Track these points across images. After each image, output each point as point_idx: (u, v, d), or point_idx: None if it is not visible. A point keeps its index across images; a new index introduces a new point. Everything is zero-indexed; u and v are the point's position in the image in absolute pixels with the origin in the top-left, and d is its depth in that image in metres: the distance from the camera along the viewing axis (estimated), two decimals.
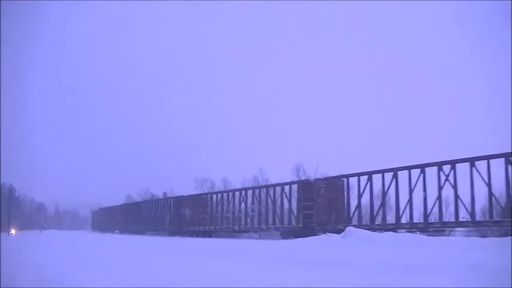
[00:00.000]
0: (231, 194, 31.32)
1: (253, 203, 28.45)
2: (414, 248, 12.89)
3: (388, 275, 7.19)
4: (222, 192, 33.80)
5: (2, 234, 35.99)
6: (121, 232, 46.81)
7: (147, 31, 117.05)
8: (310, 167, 39.99)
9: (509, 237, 14.01)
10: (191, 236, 32.07)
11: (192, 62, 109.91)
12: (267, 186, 28.89)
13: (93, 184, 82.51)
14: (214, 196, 33.83)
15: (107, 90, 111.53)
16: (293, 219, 24.92)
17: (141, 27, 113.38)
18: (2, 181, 56.35)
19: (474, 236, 20.37)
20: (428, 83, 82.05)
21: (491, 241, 14.48)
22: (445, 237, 18.46)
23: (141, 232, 41.93)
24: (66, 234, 43.96)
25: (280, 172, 54.73)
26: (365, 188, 21.66)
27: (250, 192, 29.55)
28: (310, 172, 38.60)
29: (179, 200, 36.59)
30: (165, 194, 51.36)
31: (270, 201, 27.20)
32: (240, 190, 31.34)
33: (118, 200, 61.46)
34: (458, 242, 14.19)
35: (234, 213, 29.97)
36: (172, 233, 35.61)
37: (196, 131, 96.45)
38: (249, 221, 28.58)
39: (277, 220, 26.22)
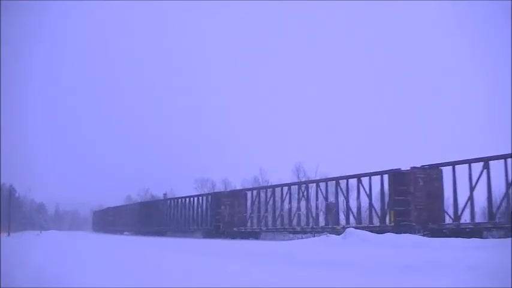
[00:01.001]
0: (285, 188, 27.02)
1: (317, 199, 24.42)
2: (414, 249, 12.90)
3: (388, 275, 7.20)
4: (273, 187, 28.99)
5: (2, 234, 36.01)
6: (135, 233, 43.10)
7: (147, 31, 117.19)
8: (310, 167, 40.03)
9: (509, 238, 14.03)
10: (234, 238, 28.34)
11: (192, 62, 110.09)
12: (337, 179, 23.70)
13: (93, 184, 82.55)
14: (263, 192, 29.16)
15: (107, 90, 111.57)
16: (374, 217, 21.21)
17: (141, 27, 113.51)
18: (2, 181, 56.35)
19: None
20: (428, 83, 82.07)
21: (491, 242, 14.48)
22: (444, 237, 18.47)
23: (161, 233, 38.30)
24: (67, 234, 43.86)
25: (280, 172, 54.80)
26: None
27: (313, 186, 25.42)
28: (310, 172, 38.64)
29: (218, 197, 31.94)
30: (165, 194, 51.37)
31: (342, 196, 23.09)
32: (299, 184, 26.88)
33: (118, 200, 61.58)
34: (457, 243, 14.19)
35: (290, 210, 25.95)
36: (209, 235, 31.19)
37: (196, 131, 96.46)
38: (311, 220, 24.53)
39: (351, 218, 22.46)
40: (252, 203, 29.58)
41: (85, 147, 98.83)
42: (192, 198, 35.76)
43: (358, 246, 14.57)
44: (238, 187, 41.02)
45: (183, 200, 37.20)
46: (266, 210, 27.90)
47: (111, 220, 54.31)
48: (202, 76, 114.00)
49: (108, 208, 59.21)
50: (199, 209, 33.87)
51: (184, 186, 52.56)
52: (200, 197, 34.90)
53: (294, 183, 27.97)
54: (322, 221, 24.04)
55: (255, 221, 29.09)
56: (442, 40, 78.73)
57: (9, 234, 39.86)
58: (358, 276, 7.22)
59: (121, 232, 48.02)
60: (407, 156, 33.00)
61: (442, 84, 77.44)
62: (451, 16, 53.58)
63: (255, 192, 30.06)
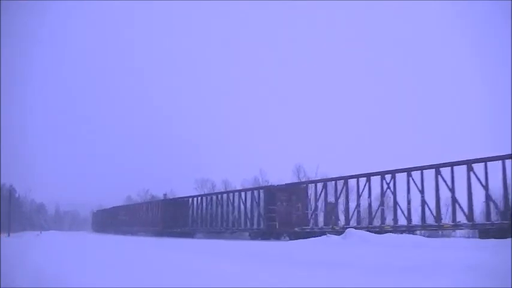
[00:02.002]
0: (362, 180, 22.11)
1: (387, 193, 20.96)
2: (414, 249, 12.91)
3: (388, 275, 7.20)
4: (345, 178, 23.38)
5: (2, 235, 36.01)
6: (156, 234, 37.94)
7: (147, 31, 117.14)
8: (310, 167, 40.01)
9: (509, 238, 14.04)
10: (294, 238, 23.70)
11: (193, 62, 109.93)
12: (438, 166, 19.08)
13: (93, 185, 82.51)
14: (331, 185, 24.29)
15: (107, 90, 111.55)
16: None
17: (141, 27, 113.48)
18: (2, 182, 56.37)
19: (473, 237, 20.42)
20: (428, 83, 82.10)
21: (491, 242, 14.49)
22: (444, 238, 18.49)
23: (188, 235, 34.45)
24: (67, 235, 43.87)
25: (280, 173, 54.85)
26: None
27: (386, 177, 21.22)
28: (311, 173, 38.61)
29: (273, 191, 27.21)
30: (165, 195, 51.35)
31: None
32: (381, 173, 21.44)
33: (118, 200, 61.53)
34: (457, 243, 14.20)
35: (370, 206, 21.87)
36: (259, 236, 26.94)
37: (196, 131, 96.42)
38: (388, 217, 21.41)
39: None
40: (317, 199, 24.80)
41: (85, 147, 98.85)
42: (232, 194, 31.27)
43: (358, 246, 14.58)
44: (239, 187, 40.95)
45: (220, 196, 32.59)
46: (335, 207, 23.66)
47: (122, 220, 49.22)
48: (202, 76, 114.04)
49: (117, 207, 55.26)
50: (243, 207, 29.09)
51: (184, 187, 52.57)
52: (244, 193, 29.97)
53: (375, 173, 21.72)
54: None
55: (320, 219, 24.76)
56: (442, 40, 78.80)
57: (9, 235, 39.86)
58: (358, 276, 7.22)
59: (135, 233, 43.13)
60: (408, 156, 33.03)
61: (442, 84, 77.50)
62: (451, 16, 53.58)
63: (319, 185, 25.02)
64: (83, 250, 17.04)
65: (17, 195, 66.20)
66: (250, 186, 38.84)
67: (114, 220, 51.83)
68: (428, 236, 19.69)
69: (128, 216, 47.97)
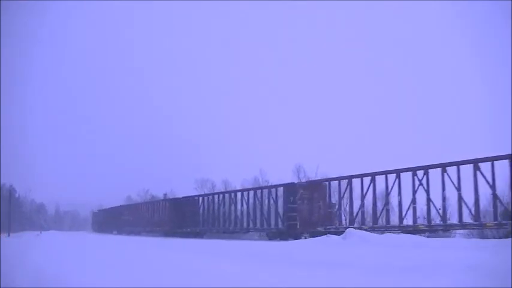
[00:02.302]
0: (392, 176, 20.69)
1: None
2: (414, 249, 12.91)
3: (388, 275, 7.20)
4: (372, 175, 21.46)
5: (2, 235, 36.03)
6: (163, 235, 36.80)
7: (147, 31, 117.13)
8: (310, 167, 39.97)
9: (509, 238, 14.04)
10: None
11: (193, 62, 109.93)
12: (476, 161, 17.87)
13: (93, 185, 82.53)
14: (357, 181, 22.28)
15: (107, 90, 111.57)
16: None
17: (141, 27, 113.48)
18: (2, 182, 56.38)
19: (474, 237, 20.41)
20: (428, 83, 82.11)
21: (491, 242, 14.49)
22: (444, 238, 18.49)
23: (198, 235, 33.04)
24: (67, 235, 43.86)
25: (281, 173, 54.81)
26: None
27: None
28: (311, 173, 38.59)
29: (294, 189, 25.41)
30: (165, 195, 51.35)
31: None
32: (412, 169, 19.99)
33: (118, 200, 61.49)
34: (458, 243, 14.20)
35: (400, 204, 20.25)
36: (277, 236, 25.39)
37: (196, 131, 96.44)
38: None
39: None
40: (341, 196, 23.46)
41: (85, 147, 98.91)
42: (247, 193, 29.65)
43: (358, 246, 14.58)
44: (239, 187, 40.93)
45: (233, 195, 31.13)
46: (362, 205, 22.22)
47: (126, 220, 47.48)
48: (202, 76, 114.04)
49: (121, 206, 53.72)
50: (260, 205, 27.74)
51: (184, 187, 52.51)
52: (260, 190, 28.57)
53: (405, 170, 20.30)
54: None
55: (345, 218, 23.70)
56: (442, 40, 78.80)
57: (9, 235, 39.88)
58: (358, 276, 7.23)
59: (140, 233, 42.07)
60: (408, 156, 33.05)
61: (442, 84, 77.52)
62: (451, 16, 53.59)
63: (343, 182, 23.41)
64: (83, 250, 17.04)
65: (17, 195, 66.24)
66: (250, 186, 38.80)
67: (117, 220, 50.61)
68: (428, 236, 19.67)
69: (132, 216, 46.67)
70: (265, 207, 27.55)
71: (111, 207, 56.76)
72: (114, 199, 60.85)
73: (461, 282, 6.07)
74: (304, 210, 24.39)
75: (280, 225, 25.86)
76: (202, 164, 67.11)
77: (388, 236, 17.89)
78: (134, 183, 73.39)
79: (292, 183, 26.53)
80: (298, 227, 24.08)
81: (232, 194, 31.32)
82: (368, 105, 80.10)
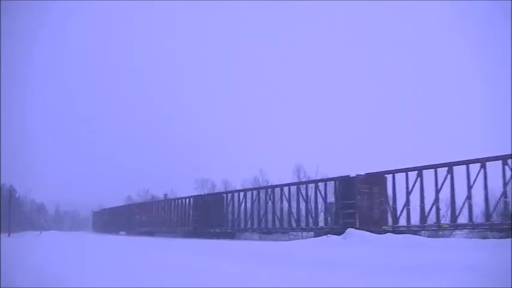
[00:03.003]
0: (462, 167, 18.41)
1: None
2: (414, 249, 12.91)
3: (388, 275, 7.20)
4: (450, 165, 18.90)
5: (2, 235, 36.04)
6: (184, 235, 33.59)
7: (147, 31, 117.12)
8: (310, 167, 39.95)
9: (509, 238, 14.05)
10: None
11: (193, 62, 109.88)
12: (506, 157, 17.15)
13: (93, 185, 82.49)
14: (415, 175, 20.04)
15: (107, 90, 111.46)
16: None
17: (141, 27, 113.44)
18: (2, 182, 56.35)
19: (474, 237, 20.39)
20: (428, 83, 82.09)
21: (491, 242, 14.50)
22: (444, 238, 18.48)
23: (226, 236, 29.80)
24: (67, 235, 43.84)
25: (281, 173, 54.81)
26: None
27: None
28: (311, 173, 38.57)
29: (352, 183, 22.19)
30: (165, 195, 51.34)
31: None
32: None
33: (118, 200, 61.47)
34: (457, 243, 14.20)
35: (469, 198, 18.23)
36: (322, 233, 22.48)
37: (196, 131, 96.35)
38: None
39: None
40: (409, 191, 20.58)
41: (85, 147, 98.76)
42: (287, 188, 26.71)
43: (358, 246, 14.58)
44: (239, 187, 40.86)
45: (270, 191, 27.71)
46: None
47: (138, 220, 43.86)
48: (202, 76, 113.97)
49: (132, 204, 50.33)
50: (305, 202, 25.04)
51: (184, 187, 52.49)
52: (305, 185, 25.67)
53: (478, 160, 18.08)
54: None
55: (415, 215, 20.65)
56: (442, 40, 78.76)
57: (9, 235, 39.89)
58: (358, 276, 7.23)
59: (155, 234, 39.03)
60: (408, 156, 33.02)
61: (442, 84, 77.48)
62: (451, 16, 53.58)
63: (399, 175, 20.70)
64: (83, 250, 17.04)
65: (17, 195, 66.22)
66: (250, 186, 38.61)
67: (125, 220, 47.46)
68: (428, 236, 19.66)
69: (146, 215, 43.01)
70: (311, 204, 24.69)
71: (118, 206, 55.00)
72: (114, 199, 60.84)
73: (461, 282, 6.07)
74: (363, 206, 21.45)
75: (332, 224, 22.86)
76: (202, 164, 67.07)
77: (388, 236, 17.89)
78: (134, 183, 73.36)
79: (348, 177, 22.80)
80: (357, 225, 20.98)
81: (269, 190, 27.70)
82: (368, 105, 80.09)
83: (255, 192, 29.05)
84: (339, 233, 20.42)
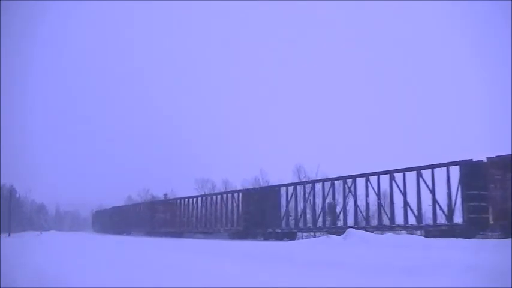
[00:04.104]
0: None
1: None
2: (414, 249, 12.90)
3: (388, 275, 7.20)
4: None
5: (2, 235, 36.05)
6: (231, 237, 29.48)
7: (147, 31, 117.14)
8: (310, 167, 39.92)
9: (509, 238, 14.03)
10: None
11: (193, 62, 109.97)
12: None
13: (93, 185, 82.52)
14: None
15: (107, 90, 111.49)
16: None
17: (141, 27, 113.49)
18: (2, 182, 56.40)
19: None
20: (428, 83, 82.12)
21: (491, 242, 14.49)
22: (445, 238, 18.45)
23: (288, 236, 25.56)
24: (67, 235, 43.82)
25: (281, 173, 54.84)
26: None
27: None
28: (311, 173, 38.54)
29: (479, 169, 17.66)
30: (165, 195, 51.32)
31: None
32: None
33: (118, 200, 61.44)
34: (458, 243, 14.18)
35: None
36: (442, 235, 17.91)
37: (196, 131, 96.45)
38: None
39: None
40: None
41: (85, 147, 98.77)
42: (376, 177, 21.32)
43: (359, 246, 14.57)
44: (239, 187, 40.81)
45: (349, 181, 22.62)
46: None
47: (161, 218, 38.38)
48: (202, 76, 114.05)
49: (155, 201, 44.68)
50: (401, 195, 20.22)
51: (184, 187, 52.50)
52: (402, 174, 20.26)
53: None
54: None
55: None
56: (442, 40, 78.80)
57: (9, 235, 39.92)
58: (359, 276, 7.23)
59: (180, 235, 34.44)
60: (407, 156, 33.05)
61: (442, 84, 77.53)
62: (451, 16, 53.60)
63: None
64: (84, 250, 17.04)
65: (17, 195, 66.27)
66: (250, 186, 38.51)
67: (141, 220, 41.99)
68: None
69: (170, 213, 37.49)
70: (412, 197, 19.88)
71: (128, 205, 51.26)
72: (114, 199, 60.80)
73: (461, 283, 6.08)
74: (498, 198, 16.89)
75: (451, 220, 18.36)
76: (202, 164, 67.14)
77: (389, 236, 17.88)
78: (134, 183, 73.38)
79: (475, 161, 17.97)
80: (490, 221, 16.97)
81: (349, 181, 22.58)
82: (368, 105, 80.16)
83: (326, 184, 24.31)
84: (464, 230, 17.28)
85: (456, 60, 64.68)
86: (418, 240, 16.33)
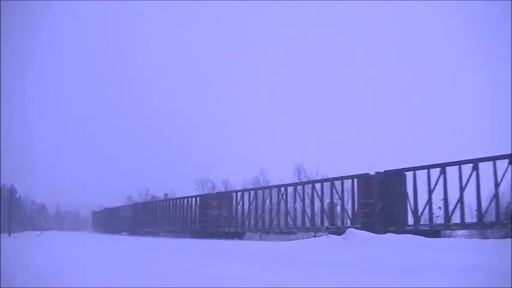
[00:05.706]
0: None
1: None
2: (415, 249, 12.88)
3: (388, 276, 7.20)
4: None
5: (2, 235, 36.06)
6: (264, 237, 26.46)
7: (147, 30, 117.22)
8: (311, 167, 39.93)
9: (509, 238, 14.00)
10: None
11: (193, 61, 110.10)
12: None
13: (93, 185, 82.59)
14: None
15: (108, 90, 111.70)
16: None
17: (141, 26, 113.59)
18: (2, 182, 56.40)
19: (475, 237, 20.35)
20: (428, 83, 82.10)
21: (491, 242, 14.47)
22: (445, 238, 18.39)
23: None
24: (68, 235, 43.82)
25: (281, 173, 54.83)
26: None
27: None
28: (311, 173, 38.56)
29: None
30: (166, 195, 51.29)
31: None
32: None
33: (118, 200, 61.44)
34: (458, 243, 14.17)
35: None
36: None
37: (196, 131, 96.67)
38: None
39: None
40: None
41: (85, 147, 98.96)
42: (458, 167, 16.67)
43: (359, 246, 14.56)
44: (239, 187, 40.80)
45: (396, 175, 18.76)
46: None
47: (181, 216, 33.64)
48: (203, 76, 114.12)
49: (165, 200, 40.17)
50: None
51: (184, 187, 52.47)
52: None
53: None
54: None
55: None
56: (442, 40, 78.78)
57: (9, 235, 39.93)
58: (359, 277, 7.22)
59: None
60: (407, 156, 33.02)
61: (442, 84, 77.51)
62: (451, 16, 53.62)
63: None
64: (85, 250, 17.05)
65: (17, 195, 66.29)
66: (251, 186, 38.53)
67: (160, 218, 37.45)
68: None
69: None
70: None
71: (148, 202, 47.18)
72: (114, 199, 60.82)
73: (461, 283, 6.07)
74: None
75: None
76: (202, 164, 67.16)
77: (389, 237, 17.85)
78: (135, 183, 73.37)
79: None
80: None
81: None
82: (368, 105, 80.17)
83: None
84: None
85: (456, 60, 64.71)
86: (418, 240, 16.31)
